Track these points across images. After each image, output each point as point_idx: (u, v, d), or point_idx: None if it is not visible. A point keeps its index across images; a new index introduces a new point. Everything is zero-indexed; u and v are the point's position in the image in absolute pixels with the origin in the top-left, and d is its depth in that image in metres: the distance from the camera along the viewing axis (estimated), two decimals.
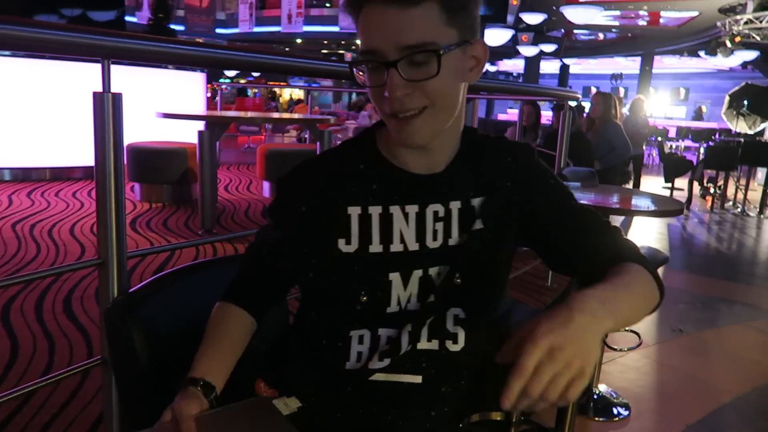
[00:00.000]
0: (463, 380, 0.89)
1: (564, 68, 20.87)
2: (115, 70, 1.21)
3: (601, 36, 17.23)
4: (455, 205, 0.87)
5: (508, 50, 17.80)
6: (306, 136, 10.71)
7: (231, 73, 25.90)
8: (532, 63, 18.22)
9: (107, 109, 1.16)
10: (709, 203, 7.79)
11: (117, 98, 1.17)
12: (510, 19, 11.20)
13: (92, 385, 2.09)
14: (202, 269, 1.27)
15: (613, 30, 15.94)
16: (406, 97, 0.76)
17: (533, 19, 13.54)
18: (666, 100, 22.66)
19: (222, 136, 4.22)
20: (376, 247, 0.85)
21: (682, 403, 2.47)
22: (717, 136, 11.40)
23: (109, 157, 1.18)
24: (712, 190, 7.93)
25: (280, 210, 0.93)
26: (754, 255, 5.52)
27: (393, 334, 0.85)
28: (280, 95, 23.39)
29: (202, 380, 0.85)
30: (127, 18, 15.56)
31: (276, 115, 7.74)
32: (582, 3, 12.69)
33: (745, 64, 17.58)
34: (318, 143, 4.76)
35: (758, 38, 11.54)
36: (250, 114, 6.72)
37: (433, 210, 0.86)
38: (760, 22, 10.24)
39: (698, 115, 20.32)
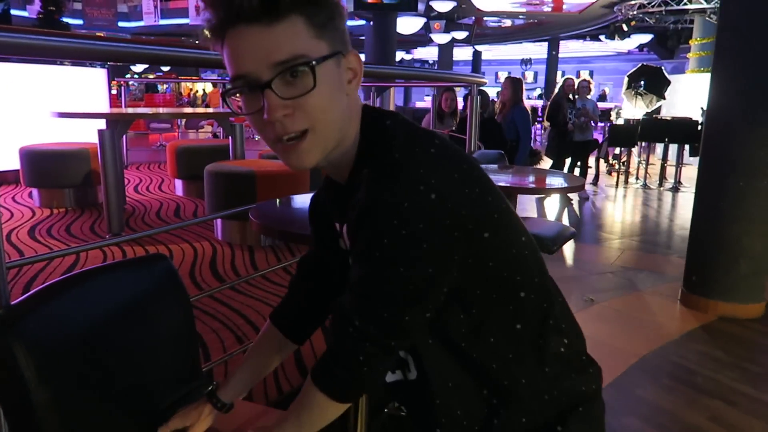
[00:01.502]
0: (434, 408, 0.85)
1: (476, 55, 21.39)
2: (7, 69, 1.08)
3: (509, 22, 17.75)
4: (342, 225, 0.86)
5: (422, 38, 18.03)
6: (220, 131, 10.38)
7: (138, 69, 24.67)
8: (445, 50, 18.55)
9: None
10: (615, 179, 8.25)
11: None
12: (421, 7, 11.33)
13: None
14: (95, 276, 1.19)
15: (521, 16, 16.47)
16: (287, 118, 0.73)
17: (443, 6, 13.75)
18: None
19: (127, 135, 3.99)
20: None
21: None
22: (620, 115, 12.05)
23: None
24: (617, 167, 8.40)
25: (310, 210, 1.03)
26: (657, 225, 5.90)
27: None
28: (193, 90, 22.53)
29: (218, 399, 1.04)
30: (18, 12, 14.47)
31: (187, 110, 7.43)
32: None
33: (641, 47, 18.71)
34: (230, 137, 4.63)
35: (651, 22, 12.31)
36: (155, 110, 6.41)
37: (343, 230, 0.85)
38: (652, 6, 10.90)
39: (602, 96, 21.43)
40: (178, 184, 5.50)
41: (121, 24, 20.02)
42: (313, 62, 0.71)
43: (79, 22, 17.51)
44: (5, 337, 0.94)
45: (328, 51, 0.74)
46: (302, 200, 2.08)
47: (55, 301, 1.07)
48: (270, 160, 4.21)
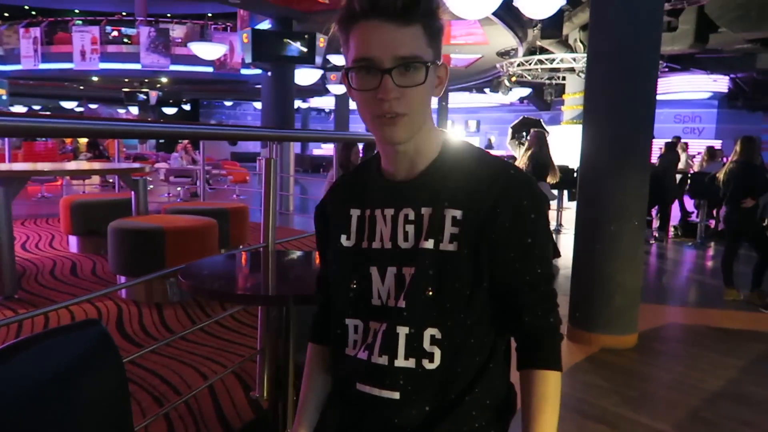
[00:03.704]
0: (438, 396, 0.95)
1: None
2: None
3: None
4: (426, 211, 0.95)
5: (319, 88, 18.46)
6: (113, 181, 9.92)
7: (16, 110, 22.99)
8: (342, 100, 19.10)
9: None
10: None
11: None
12: (318, 60, 11.66)
13: None
14: (25, 347, 1.14)
15: None
16: (395, 100, 0.89)
17: (340, 59, 14.25)
18: (463, 132, 25.16)
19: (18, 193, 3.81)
20: (365, 243, 1.00)
21: None
22: None
23: None
24: None
25: (315, 219, 1.12)
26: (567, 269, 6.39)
27: (377, 327, 0.97)
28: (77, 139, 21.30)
29: None
30: None
31: (86, 166, 7.12)
32: None
33: (522, 99, 20.31)
34: (133, 192, 4.54)
35: (529, 78, 13.49)
36: (56, 165, 6.10)
37: (404, 213, 0.97)
38: (530, 64, 11.98)
39: (489, 145, 22.87)
40: (73, 240, 5.25)
41: None
42: (429, 64, 0.91)
43: None
44: None
45: (433, 58, 0.92)
46: (224, 258, 2.15)
47: None
48: (176, 215, 4.18)
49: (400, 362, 0.94)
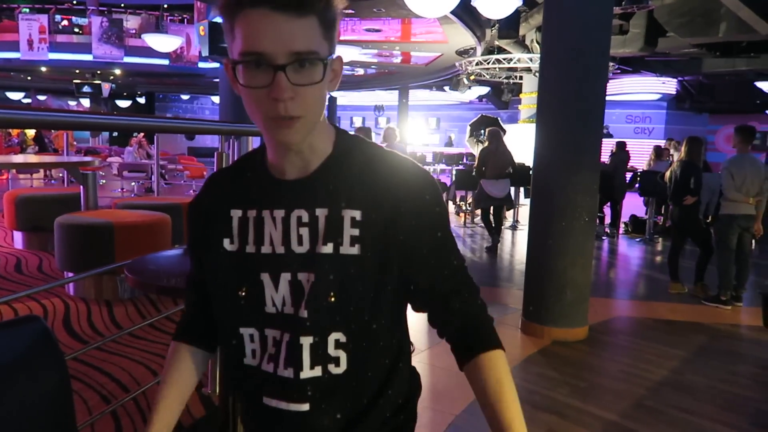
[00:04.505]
0: (348, 403, 0.91)
1: (332, 100, 22.07)
2: None
3: (362, 71, 18.64)
4: (322, 213, 0.88)
5: None
6: (62, 175, 9.59)
7: None
8: None
9: None
10: (462, 219, 8.95)
11: None
12: None
13: None
14: None
15: (373, 66, 17.39)
16: (291, 101, 0.79)
17: None
18: (423, 129, 25.29)
19: None
20: (251, 247, 0.91)
21: (449, 397, 2.86)
22: (465, 159, 13.13)
23: None
24: (464, 207, 9.14)
25: (189, 217, 1.01)
26: (499, 260, 6.52)
27: (277, 336, 0.90)
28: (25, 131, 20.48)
29: None
30: None
31: (33, 159, 6.87)
32: (342, 43, 13.66)
33: (480, 97, 20.56)
34: (82, 187, 4.41)
35: (487, 77, 13.66)
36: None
37: (297, 215, 0.89)
38: (488, 63, 12.13)
39: (449, 142, 23.08)
40: (18, 236, 5.05)
41: None
42: (327, 60, 0.82)
43: None
44: None
45: (329, 52, 0.83)
46: (174, 253, 2.11)
47: None
48: (127, 210, 4.08)
49: (306, 373, 0.89)
